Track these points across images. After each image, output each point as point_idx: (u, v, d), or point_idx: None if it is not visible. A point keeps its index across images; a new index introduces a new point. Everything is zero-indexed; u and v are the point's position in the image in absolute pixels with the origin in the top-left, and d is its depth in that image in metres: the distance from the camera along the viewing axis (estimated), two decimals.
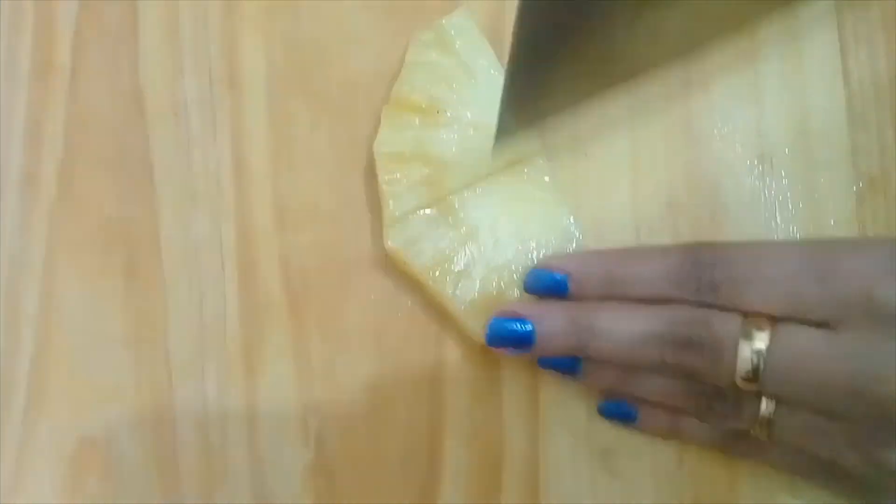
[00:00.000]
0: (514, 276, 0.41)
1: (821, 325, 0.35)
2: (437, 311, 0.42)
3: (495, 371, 0.42)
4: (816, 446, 0.36)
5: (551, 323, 0.39)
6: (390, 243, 0.41)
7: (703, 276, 0.37)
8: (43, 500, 0.41)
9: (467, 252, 0.41)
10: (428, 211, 0.41)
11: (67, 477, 0.42)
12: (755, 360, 0.35)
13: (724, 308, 0.36)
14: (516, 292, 0.41)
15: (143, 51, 0.45)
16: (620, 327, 0.38)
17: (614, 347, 0.38)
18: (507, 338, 0.39)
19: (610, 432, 0.42)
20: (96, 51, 0.45)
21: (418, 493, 0.41)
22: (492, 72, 0.43)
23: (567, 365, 0.40)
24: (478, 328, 0.41)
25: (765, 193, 0.43)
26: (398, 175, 0.42)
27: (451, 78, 0.42)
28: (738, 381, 0.36)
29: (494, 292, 0.41)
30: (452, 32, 0.43)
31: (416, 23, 0.44)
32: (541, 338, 0.39)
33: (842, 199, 0.43)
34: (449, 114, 0.42)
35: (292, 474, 0.42)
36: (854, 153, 0.44)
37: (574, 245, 0.42)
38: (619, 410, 0.41)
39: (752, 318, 0.36)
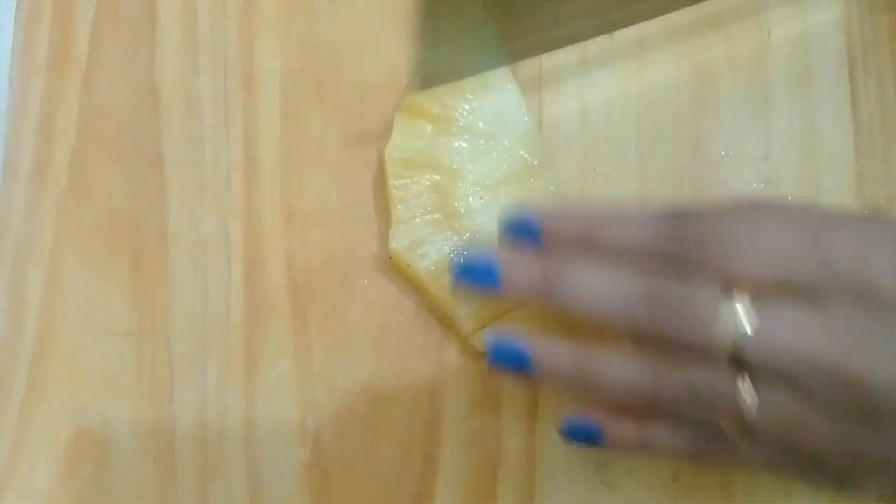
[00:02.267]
0: None
1: (810, 299, 0.33)
2: (439, 315, 0.42)
3: (495, 378, 0.42)
4: (797, 437, 0.34)
5: (519, 269, 0.37)
6: (394, 245, 0.41)
7: (689, 234, 0.34)
8: (38, 487, 0.41)
9: None
10: (433, 216, 0.42)
11: (63, 465, 0.42)
12: (741, 329, 0.33)
13: (708, 273, 0.34)
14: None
15: (160, 46, 0.45)
16: (593, 282, 0.35)
17: (583, 303, 0.35)
18: (473, 281, 0.37)
19: None
20: (113, 44, 0.46)
21: (413, 495, 0.41)
22: (507, 84, 0.43)
23: (516, 360, 0.37)
24: (478, 332, 0.41)
25: None
26: (408, 181, 0.42)
27: (465, 87, 0.43)
28: (718, 351, 0.33)
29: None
30: None
31: None
32: (506, 282, 0.37)
33: None
34: (461, 123, 0.43)
35: (288, 473, 0.42)
36: (860, 180, 0.44)
37: None
38: (583, 429, 0.38)
39: (736, 285, 0.33)
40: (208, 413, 0.42)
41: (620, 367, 0.36)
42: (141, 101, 0.45)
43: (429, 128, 0.42)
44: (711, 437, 0.36)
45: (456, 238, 0.41)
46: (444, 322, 0.43)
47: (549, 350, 0.37)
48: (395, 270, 0.43)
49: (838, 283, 0.33)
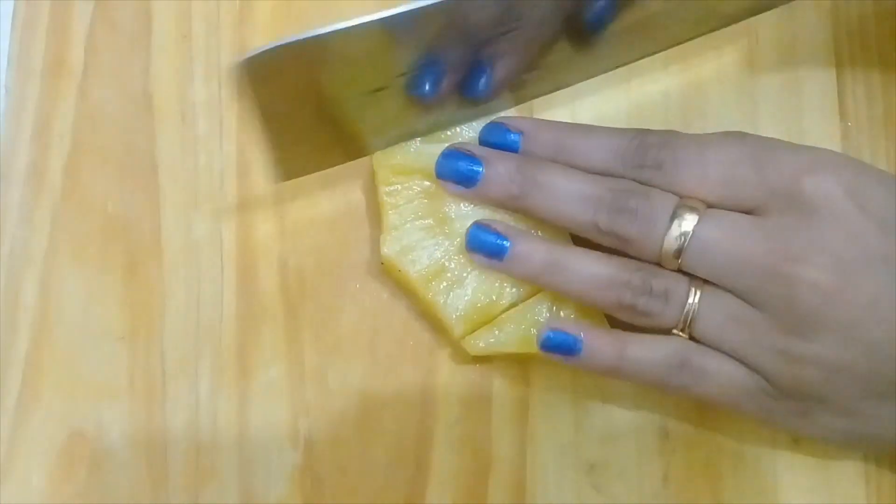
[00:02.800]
0: (505, 286, 0.41)
1: (750, 212, 0.37)
2: (430, 320, 0.43)
3: (486, 382, 0.43)
4: (742, 347, 0.37)
5: (499, 167, 0.40)
6: (386, 250, 0.42)
7: (648, 154, 0.39)
8: (31, 490, 0.42)
9: (461, 262, 0.41)
10: (424, 221, 0.42)
11: (57, 468, 0.42)
12: (682, 239, 0.37)
13: (663, 188, 0.38)
14: (506, 302, 0.41)
15: (154, 53, 0.46)
16: (562, 184, 0.39)
17: (552, 203, 0.39)
18: (455, 170, 0.41)
19: (597, 448, 0.42)
20: (109, 51, 0.46)
21: (405, 498, 0.42)
22: None
23: (492, 247, 0.40)
24: (468, 336, 0.41)
25: None
26: (398, 186, 0.42)
27: None
28: (664, 257, 0.38)
29: (485, 302, 0.41)
30: None
31: None
32: (486, 179, 0.40)
33: None
34: (449, 131, 0.43)
35: (280, 476, 0.42)
36: None
37: None
38: (563, 341, 0.40)
39: (686, 199, 0.38)
40: (201, 417, 0.43)
41: (587, 262, 0.39)
42: (135, 108, 0.45)
43: None
44: (682, 367, 0.38)
45: (447, 243, 0.42)
46: (436, 326, 0.43)
47: (525, 240, 0.40)
48: (387, 275, 0.43)
49: (774, 198, 0.37)
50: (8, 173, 0.45)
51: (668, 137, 0.39)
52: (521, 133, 0.41)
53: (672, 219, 0.37)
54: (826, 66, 0.46)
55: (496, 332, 0.41)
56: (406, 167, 0.42)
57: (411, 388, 0.43)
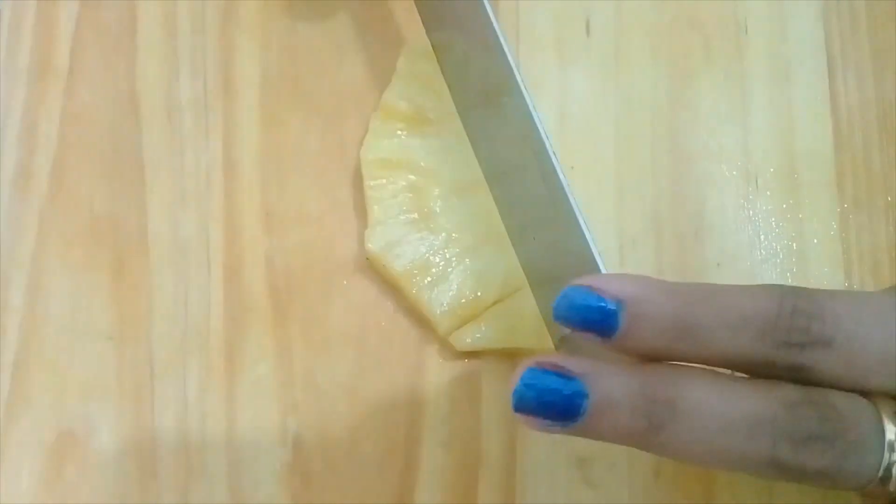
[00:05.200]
0: (491, 281, 0.41)
1: None
2: (416, 315, 0.42)
3: (475, 377, 0.42)
4: None
5: (613, 389, 0.27)
6: (370, 245, 0.41)
7: (806, 328, 0.27)
8: (21, 490, 0.42)
9: (446, 257, 0.41)
10: (409, 216, 0.42)
11: (46, 468, 0.42)
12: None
13: (834, 379, 0.27)
14: (492, 297, 0.41)
15: (140, 53, 0.46)
16: (715, 406, 0.27)
17: (702, 435, 0.27)
18: (545, 402, 0.28)
19: (587, 442, 0.41)
20: (94, 52, 0.46)
21: (394, 495, 0.41)
22: None
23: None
24: (453, 331, 0.41)
25: (749, 212, 0.44)
26: (384, 181, 0.42)
27: (440, 88, 0.43)
28: (877, 483, 0.27)
29: (471, 297, 0.41)
30: None
31: (410, 33, 0.45)
32: (595, 409, 0.27)
33: (825, 220, 0.43)
34: (436, 123, 0.43)
35: (269, 474, 0.42)
36: (839, 175, 0.44)
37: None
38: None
39: (881, 398, 0.27)
40: (189, 415, 0.42)
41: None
42: (121, 108, 0.45)
43: (404, 128, 0.43)
44: None
45: (432, 238, 0.41)
46: (422, 322, 0.43)
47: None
48: (374, 271, 0.43)
49: None
50: None
51: (824, 300, 0.28)
52: (621, 303, 0.28)
53: (883, 436, 0.27)
54: (816, 56, 0.46)
55: (482, 327, 0.41)
56: (392, 161, 0.42)
57: (400, 384, 0.42)
